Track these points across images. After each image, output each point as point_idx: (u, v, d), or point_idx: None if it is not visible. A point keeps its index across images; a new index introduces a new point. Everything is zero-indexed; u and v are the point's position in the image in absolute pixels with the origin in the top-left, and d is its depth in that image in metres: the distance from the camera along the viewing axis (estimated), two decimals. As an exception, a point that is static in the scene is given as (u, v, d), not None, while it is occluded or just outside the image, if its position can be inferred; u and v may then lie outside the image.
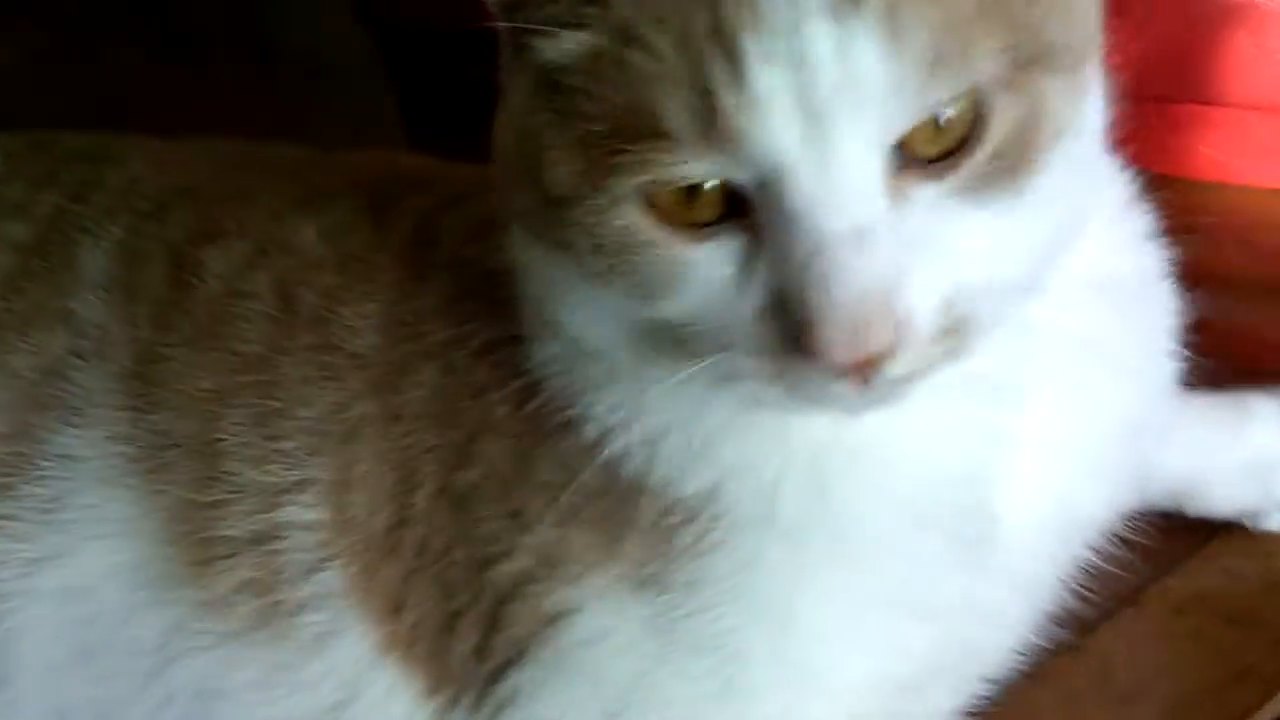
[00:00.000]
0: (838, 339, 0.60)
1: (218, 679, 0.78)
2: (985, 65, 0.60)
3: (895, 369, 0.62)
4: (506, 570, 0.74)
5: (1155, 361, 0.81)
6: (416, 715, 0.77)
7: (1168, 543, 0.87)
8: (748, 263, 0.63)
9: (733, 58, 0.59)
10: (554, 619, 0.74)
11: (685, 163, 0.61)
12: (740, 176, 0.61)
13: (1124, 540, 0.81)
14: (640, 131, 0.61)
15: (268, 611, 0.77)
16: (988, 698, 0.81)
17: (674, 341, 0.66)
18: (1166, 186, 0.82)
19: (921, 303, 0.62)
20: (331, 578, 0.76)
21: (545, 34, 0.64)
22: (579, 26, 0.63)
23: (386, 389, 0.77)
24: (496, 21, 0.67)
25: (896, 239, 0.61)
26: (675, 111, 0.60)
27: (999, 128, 0.62)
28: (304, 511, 0.76)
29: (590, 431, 0.73)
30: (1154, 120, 0.80)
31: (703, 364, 0.65)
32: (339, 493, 0.76)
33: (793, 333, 0.61)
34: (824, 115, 0.59)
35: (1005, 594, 0.76)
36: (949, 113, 0.61)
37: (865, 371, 0.62)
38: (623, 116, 0.61)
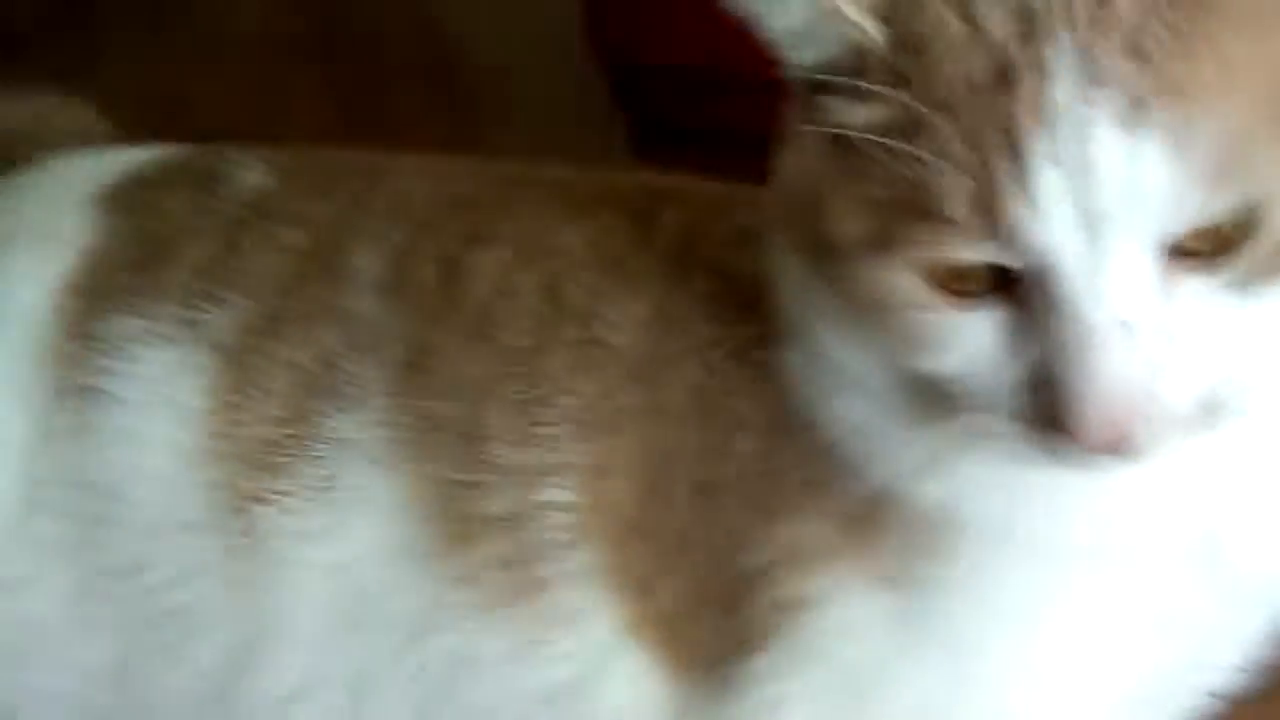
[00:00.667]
0: (1095, 425, 0.63)
1: (469, 650, 0.82)
2: (1270, 176, 0.61)
3: (1149, 446, 0.65)
4: (752, 561, 0.77)
5: None
6: (658, 694, 0.80)
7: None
8: (1013, 335, 0.65)
9: (1018, 156, 0.61)
10: (796, 608, 0.77)
11: (963, 247, 0.64)
12: (1014, 263, 0.64)
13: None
14: (922, 211, 0.64)
15: (520, 586, 0.81)
16: (1216, 715, 0.81)
17: (933, 393, 0.70)
18: None
19: (1182, 392, 0.64)
20: (584, 557, 0.80)
21: (841, 98, 0.67)
22: (873, 99, 0.66)
23: (647, 383, 0.80)
24: (786, 74, 0.70)
25: (1162, 331, 0.62)
26: (957, 200, 0.62)
27: (1275, 228, 0.62)
28: (562, 493, 0.80)
29: (834, 433, 0.76)
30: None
31: (960, 422, 0.68)
32: (597, 478, 0.80)
33: (1051, 411, 0.64)
34: (1103, 219, 0.61)
35: (1240, 611, 0.78)
36: (1226, 218, 0.62)
37: (1120, 449, 0.64)
38: (907, 192, 0.64)
